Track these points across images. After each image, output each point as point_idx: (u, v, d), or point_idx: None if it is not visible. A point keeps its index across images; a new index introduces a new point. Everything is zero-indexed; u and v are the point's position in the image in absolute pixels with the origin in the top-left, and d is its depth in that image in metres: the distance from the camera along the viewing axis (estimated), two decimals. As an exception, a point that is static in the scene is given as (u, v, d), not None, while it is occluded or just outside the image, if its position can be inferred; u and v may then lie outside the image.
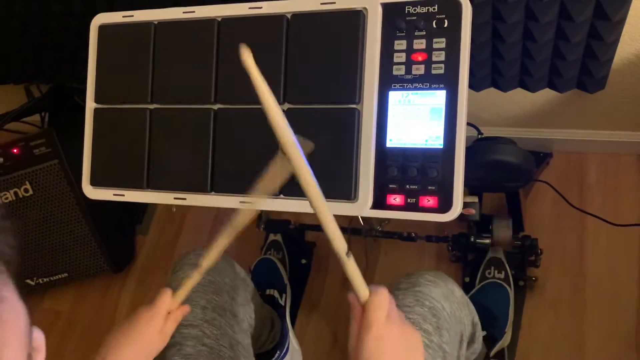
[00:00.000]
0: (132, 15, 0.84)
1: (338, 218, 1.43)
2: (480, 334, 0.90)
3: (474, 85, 1.09)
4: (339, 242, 0.59)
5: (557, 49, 0.97)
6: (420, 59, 0.71)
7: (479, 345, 0.90)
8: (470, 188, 1.13)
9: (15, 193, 1.34)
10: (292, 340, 1.22)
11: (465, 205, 0.96)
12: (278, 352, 1.13)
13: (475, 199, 0.97)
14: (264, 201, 0.66)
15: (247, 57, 0.53)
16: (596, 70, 0.99)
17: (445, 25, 0.70)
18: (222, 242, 0.68)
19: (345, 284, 1.31)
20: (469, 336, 0.84)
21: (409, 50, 0.72)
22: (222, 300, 0.86)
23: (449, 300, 0.80)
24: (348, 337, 0.59)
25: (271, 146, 0.76)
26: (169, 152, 0.82)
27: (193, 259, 0.89)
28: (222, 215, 1.52)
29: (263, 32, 0.77)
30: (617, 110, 1.15)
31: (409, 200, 0.71)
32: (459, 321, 0.80)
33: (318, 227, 1.32)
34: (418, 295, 0.78)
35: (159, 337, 0.69)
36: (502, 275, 1.17)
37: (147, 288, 1.50)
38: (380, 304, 0.58)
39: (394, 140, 0.72)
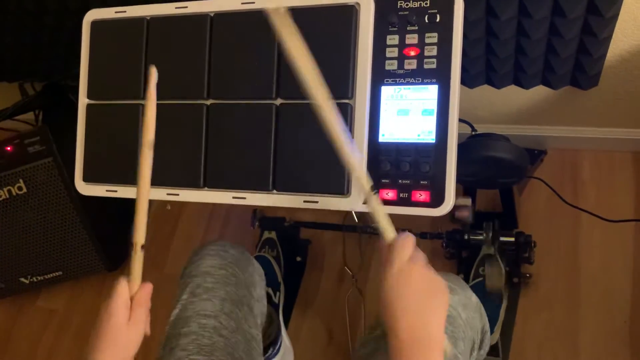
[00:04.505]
0: (125, 11, 0.84)
1: (332, 213, 1.42)
2: (489, 340, 0.89)
3: (468, 82, 1.09)
4: (364, 178, 0.59)
5: (550, 45, 0.97)
6: (412, 53, 0.71)
7: (484, 352, 0.90)
8: (464, 184, 1.13)
9: (9, 191, 1.34)
10: (285, 339, 1.22)
11: (458, 208, 0.96)
12: (271, 349, 1.13)
13: (469, 202, 0.96)
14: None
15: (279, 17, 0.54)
16: (589, 67, 1.00)
17: (438, 20, 0.70)
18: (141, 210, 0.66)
19: (341, 281, 1.32)
20: (479, 343, 0.84)
21: (402, 45, 0.72)
22: (240, 294, 0.86)
23: (466, 308, 0.79)
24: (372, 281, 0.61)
25: (263, 141, 0.77)
26: (161, 147, 0.81)
27: (215, 249, 0.89)
28: (218, 213, 1.52)
29: (256, 27, 0.77)
30: (610, 106, 1.16)
31: (401, 195, 0.71)
32: (472, 329, 0.80)
33: (313, 225, 1.33)
34: None
35: (130, 329, 0.63)
36: (496, 272, 1.17)
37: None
38: (404, 244, 0.59)
39: (386, 135, 0.73)
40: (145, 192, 0.66)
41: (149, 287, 0.68)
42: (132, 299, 0.66)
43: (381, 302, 0.58)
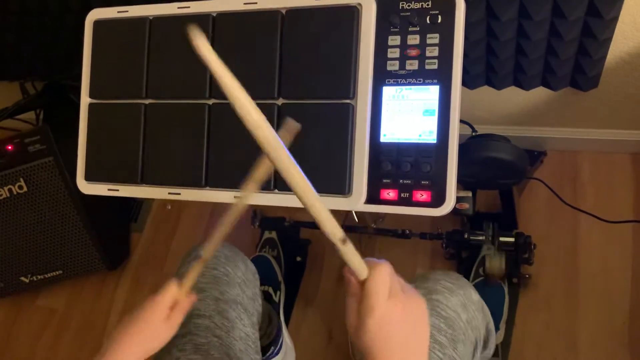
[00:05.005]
0: (127, 11, 0.84)
1: (333, 213, 1.42)
2: (494, 339, 0.88)
3: (468, 83, 1.10)
4: (333, 229, 0.53)
5: (550, 46, 0.97)
6: (414, 54, 0.72)
7: (490, 350, 0.89)
8: (464, 185, 1.14)
9: (10, 190, 1.34)
10: (286, 337, 1.22)
11: (459, 199, 0.96)
12: (272, 347, 1.14)
13: (469, 194, 0.97)
14: (253, 195, 0.63)
15: (201, 44, 0.44)
16: (589, 68, 1.00)
17: (439, 21, 0.71)
18: (219, 235, 0.66)
19: (341, 281, 1.32)
20: (482, 341, 0.83)
21: (403, 46, 0.72)
22: (234, 293, 0.86)
23: (466, 309, 0.78)
24: (346, 314, 0.56)
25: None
26: (163, 147, 0.82)
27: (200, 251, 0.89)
28: (218, 213, 1.52)
29: (258, 27, 0.77)
30: (610, 108, 1.16)
31: (402, 194, 0.72)
32: (474, 328, 0.79)
33: (313, 225, 1.32)
34: (434, 304, 0.76)
35: (164, 326, 0.66)
36: (496, 273, 1.17)
37: (142, 286, 1.49)
38: (381, 283, 0.54)
39: (387, 135, 0.73)
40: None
41: (194, 298, 0.71)
42: (176, 302, 0.68)
43: (362, 350, 0.54)
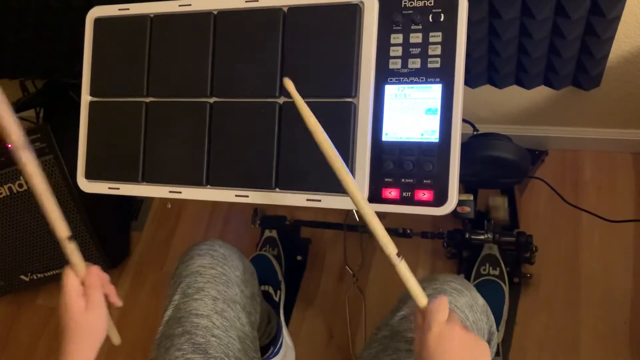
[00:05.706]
0: (128, 9, 0.84)
1: (332, 213, 1.42)
2: (496, 342, 0.89)
3: (470, 82, 1.10)
4: (389, 245, 0.60)
5: (552, 45, 0.97)
6: (416, 52, 0.71)
7: (492, 353, 0.90)
8: (465, 184, 1.13)
9: (10, 188, 1.34)
10: (286, 337, 1.22)
11: (460, 203, 0.96)
12: (272, 347, 1.13)
13: (471, 197, 0.97)
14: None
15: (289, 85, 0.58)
16: (591, 67, 1.00)
17: (442, 19, 0.70)
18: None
19: (341, 280, 1.32)
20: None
21: (406, 44, 0.72)
22: (232, 293, 0.86)
23: (472, 310, 0.79)
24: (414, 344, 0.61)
25: (266, 140, 0.77)
26: (164, 145, 0.82)
27: (205, 248, 0.89)
28: (218, 212, 1.52)
29: (259, 25, 0.77)
30: (612, 107, 1.16)
31: (404, 193, 0.72)
32: (479, 330, 0.80)
33: (314, 224, 1.33)
34: None
35: (89, 315, 0.67)
36: (497, 272, 1.17)
37: (142, 284, 1.49)
38: (439, 306, 0.59)
39: (389, 134, 0.73)
40: (45, 190, 0.67)
41: (95, 269, 0.71)
42: (84, 284, 0.69)
43: None
